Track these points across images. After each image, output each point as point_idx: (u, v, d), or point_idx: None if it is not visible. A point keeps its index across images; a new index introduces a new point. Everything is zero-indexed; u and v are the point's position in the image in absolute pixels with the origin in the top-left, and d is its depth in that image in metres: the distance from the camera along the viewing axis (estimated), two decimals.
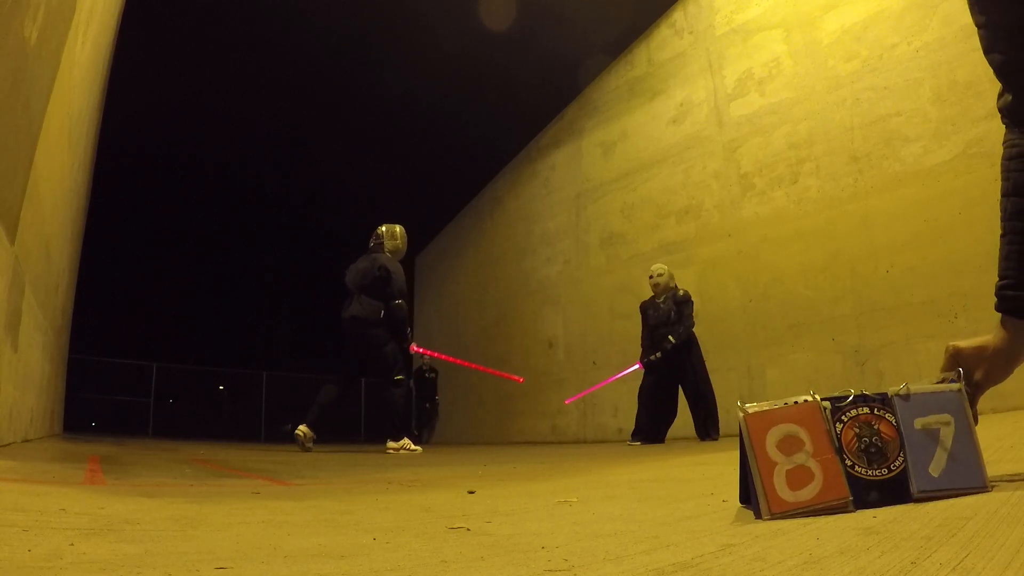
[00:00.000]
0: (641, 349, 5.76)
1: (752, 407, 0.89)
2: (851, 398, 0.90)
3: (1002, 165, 0.94)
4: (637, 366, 5.83)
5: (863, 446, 0.87)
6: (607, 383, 6.93)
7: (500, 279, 9.81)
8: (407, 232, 5.32)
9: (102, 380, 12.46)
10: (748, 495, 0.91)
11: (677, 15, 7.51)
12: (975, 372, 0.93)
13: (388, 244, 5.19)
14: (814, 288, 5.82)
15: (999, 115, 0.96)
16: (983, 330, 0.97)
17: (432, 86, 8.51)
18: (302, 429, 4.71)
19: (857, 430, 0.88)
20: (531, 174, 9.44)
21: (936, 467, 0.85)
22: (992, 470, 0.92)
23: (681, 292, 5.62)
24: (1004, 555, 0.57)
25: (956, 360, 0.95)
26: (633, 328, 5.96)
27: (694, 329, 5.52)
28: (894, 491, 0.85)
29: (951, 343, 0.97)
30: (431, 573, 0.63)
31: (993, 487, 0.87)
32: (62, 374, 6.98)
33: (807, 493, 0.84)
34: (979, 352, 0.93)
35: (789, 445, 0.86)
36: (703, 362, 5.52)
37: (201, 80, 8.31)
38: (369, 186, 10.47)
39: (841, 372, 5.46)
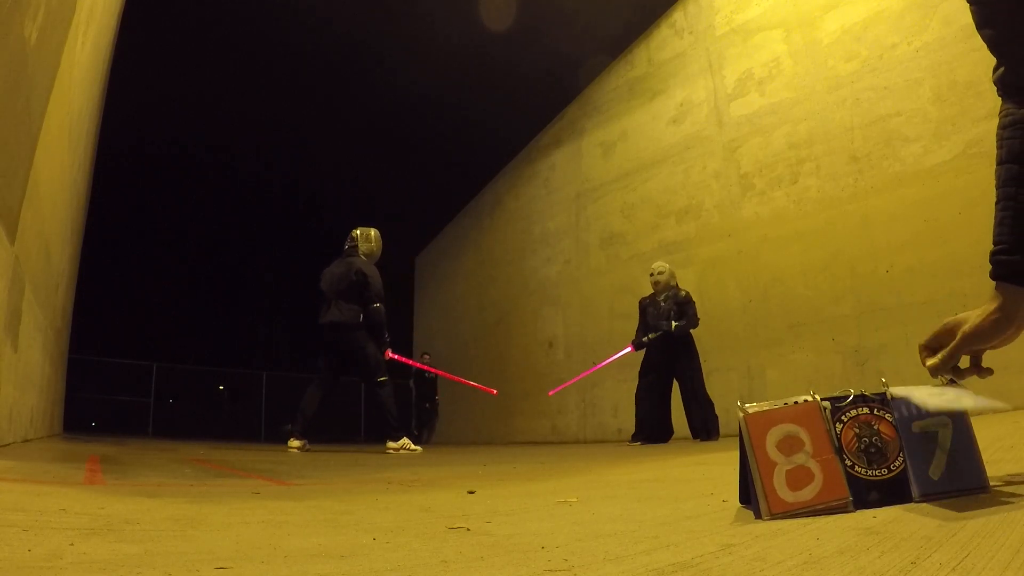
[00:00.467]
0: (635, 336, 5.79)
1: (752, 407, 0.89)
2: (851, 398, 0.90)
3: (997, 134, 0.94)
4: (629, 349, 5.84)
5: (863, 446, 0.87)
6: (595, 370, 6.90)
7: (500, 279, 9.80)
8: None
9: (102, 380, 12.44)
10: (748, 495, 0.91)
11: (677, 15, 7.51)
12: (972, 342, 0.91)
13: (363, 247, 5.14)
14: (814, 288, 5.82)
15: (995, 88, 0.96)
16: None
17: (432, 86, 8.52)
18: (293, 445, 4.72)
19: (857, 430, 0.88)
20: (531, 174, 9.43)
21: (936, 469, 0.85)
22: (992, 470, 0.92)
23: (683, 293, 5.62)
24: (1004, 555, 0.57)
25: (950, 334, 0.94)
26: (633, 327, 5.96)
27: (692, 331, 5.53)
28: (894, 491, 0.85)
29: (948, 318, 0.96)
30: (431, 573, 0.63)
31: (993, 487, 0.87)
32: (62, 374, 6.97)
33: (807, 493, 0.84)
34: (976, 324, 0.91)
35: (789, 445, 0.86)
36: (700, 366, 5.52)
37: (201, 80, 8.32)
38: (369, 186, 10.47)
39: (841, 372, 5.46)
